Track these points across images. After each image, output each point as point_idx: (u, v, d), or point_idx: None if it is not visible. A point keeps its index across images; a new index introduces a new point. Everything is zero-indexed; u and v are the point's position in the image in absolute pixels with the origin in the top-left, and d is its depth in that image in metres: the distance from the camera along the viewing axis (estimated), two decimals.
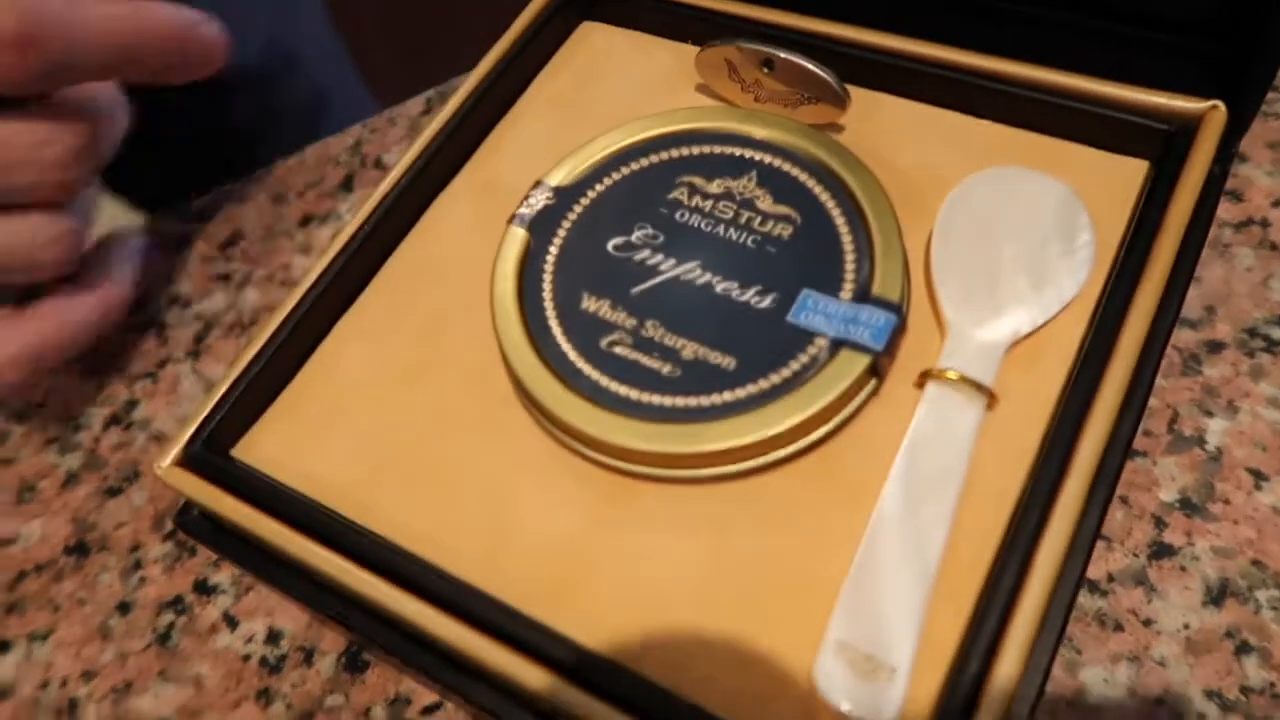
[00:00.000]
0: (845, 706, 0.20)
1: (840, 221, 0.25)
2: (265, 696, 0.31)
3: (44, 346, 0.33)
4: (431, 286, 0.29)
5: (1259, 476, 0.30)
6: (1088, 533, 0.21)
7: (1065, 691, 0.28)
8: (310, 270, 0.28)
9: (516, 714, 0.22)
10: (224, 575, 0.34)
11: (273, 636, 0.32)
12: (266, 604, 0.33)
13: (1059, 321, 0.24)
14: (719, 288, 0.24)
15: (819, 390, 0.22)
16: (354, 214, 0.41)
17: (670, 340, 0.24)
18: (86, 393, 0.39)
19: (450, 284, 0.28)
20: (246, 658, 0.32)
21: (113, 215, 0.60)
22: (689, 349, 0.24)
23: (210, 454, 0.25)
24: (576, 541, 0.23)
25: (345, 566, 0.23)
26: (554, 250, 0.26)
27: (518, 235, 0.26)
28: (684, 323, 0.24)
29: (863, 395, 0.23)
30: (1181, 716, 0.27)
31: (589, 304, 0.25)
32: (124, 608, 0.34)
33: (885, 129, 0.29)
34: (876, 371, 0.23)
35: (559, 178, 0.27)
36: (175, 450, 0.25)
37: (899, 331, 0.23)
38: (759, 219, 0.25)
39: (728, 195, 0.26)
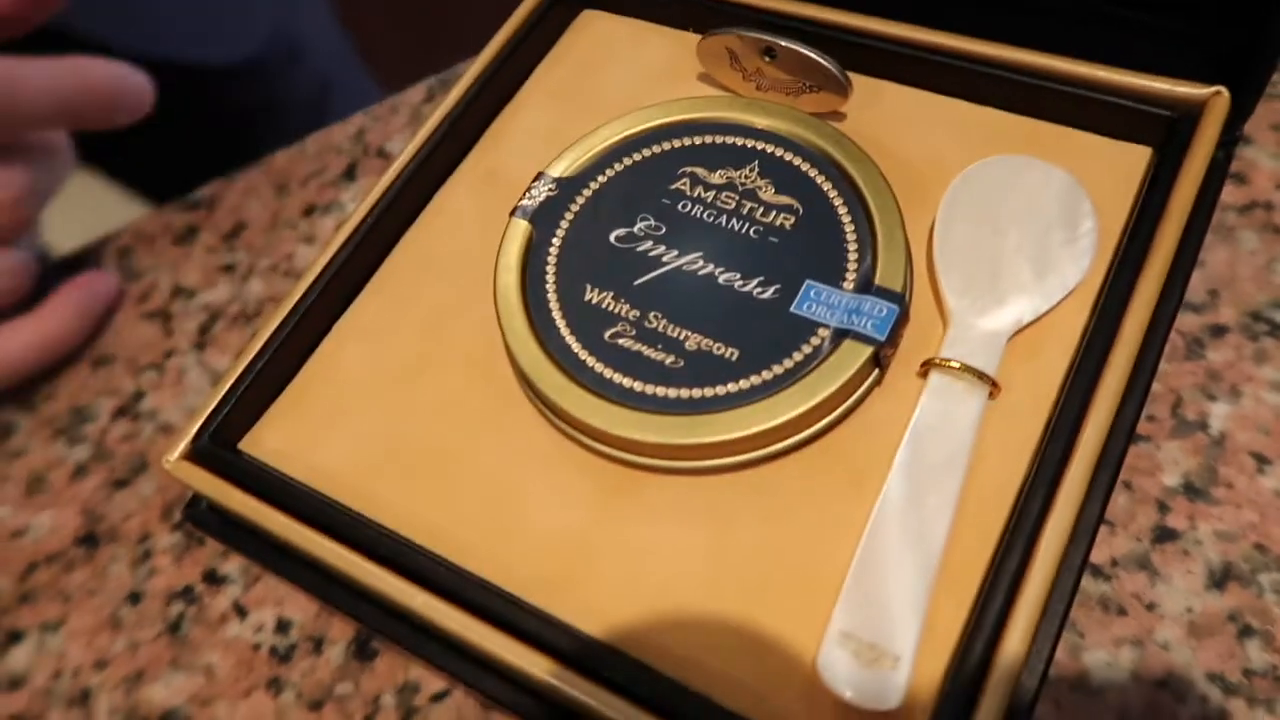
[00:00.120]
0: (849, 695, 0.20)
1: (842, 211, 0.25)
2: (276, 685, 0.31)
3: None
4: (435, 279, 0.29)
5: (1262, 460, 0.30)
6: (1090, 519, 0.21)
7: (1068, 675, 0.28)
8: (314, 263, 0.29)
9: (524, 703, 0.23)
10: (233, 565, 0.34)
11: (282, 626, 0.32)
12: (275, 593, 0.33)
13: (1062, 310, 0.24)
14: (722, 279, 0.24)
15: (822, 381, 0.23)
16: (357, 204, 0.41)
17: (673, 332, 0.24)
18: (93, 384, 0.39)
19: (454, 276, 0.28)
20: (256, 647, 0.32)
21: (117, 206, 0.61)
22: (692, 340, 0.24)
23: (218, 448, 0.26)
24: (582, 532, 0.24)
25: (353, 559, 0.23)
26: (557, 242, 0.26)
27: (520, 227, 0.26)
28: (687, 314, 0.24)
29: (866, 385, 0.23)
30: (1184, 699, 0.27)
31: (592, 296, 0.25)
32: (134, 598, 0.34)
33: (887, 117, 0.29)
34: (879, 362, 0.23)
35: (561, 169, 0.27)
36: (183, 444, 0.26)
37: (901, 322, 0.23)
38: (761, 209, 0.25)
39: (730, 186, 0.26)
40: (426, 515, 0.24)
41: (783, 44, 0.27)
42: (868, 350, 0.23)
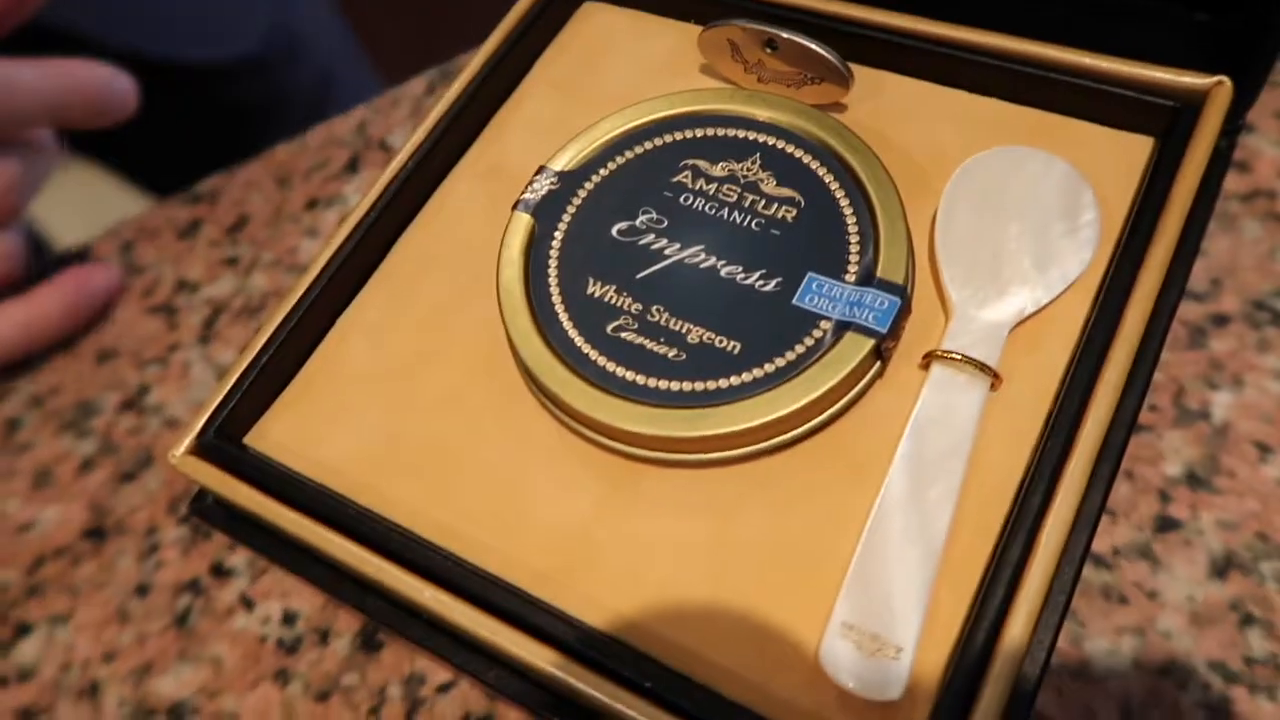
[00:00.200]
0: (851, 685, 0.20)
1: (844, 204, 0.25)
2: (283, 677, 0.31)
3: None
4: (438, 273, 0.29)
5: (1264, 449, 0.30)
6: (1092, 509, 0.21)
7: (1070, 663, 0.28)
8: (318, 257, 0.29)
9: (529, 694, 0.23)
10: (239, 558, 0.34)
11: (288, 618, 0.33)
12: (282, 586, 0.33)
13: (1063, 301, 0.24)
14: (724, 271, 0.24)
15: (824, 373, 0.23)
16: (360, 196, 0.41)
17: (676, 325, 0.24)
18: (99, 378, 0.40)
19: (457, 270, 0.29)
20: (263, 639, 0.32)
21: (120, 200, 0.61)
22: (694, 333, 0.24)
23: (223, 443, 0.26)
24: (585, 525, 0.24)
25: (359, 553, 0.23)
26: (559, 236, 0.26)
27: (523, 221, 0.26)
28: (689, 307, 0.24)
29: (867, 378, 0.24)
30: (1185, 688, 0.27)
31: (594, 289, 0.25)
32: (142, 590, 0.34)
33: (889, 108, 0.28)
34: (881, 354, 0.23)
35: (563, 162, 0.27)
36: (189, 439, 0.26)
37: (903, 314, 0.23)
38: (763, 202, 0.25)
39: (732, 178, 0.26)
40: (431, 509, 0.25)
41: (784, 35, 0.27)
42: (869, 343, 0.23)
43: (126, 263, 0.43)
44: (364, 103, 0.45)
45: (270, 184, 0.44)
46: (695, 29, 0.30)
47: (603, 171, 0.27)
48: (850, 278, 0.24)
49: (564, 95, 0.32)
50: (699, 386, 0.23)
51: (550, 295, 0.25)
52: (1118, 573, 0.29)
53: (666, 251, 0.25)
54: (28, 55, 0.35)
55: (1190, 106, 0.25)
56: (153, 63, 0.40)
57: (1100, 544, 0.30)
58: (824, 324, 0.23)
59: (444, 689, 0.30)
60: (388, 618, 0.24)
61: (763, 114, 0.27)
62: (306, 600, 0.33)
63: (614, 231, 0.26)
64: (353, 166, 0.43)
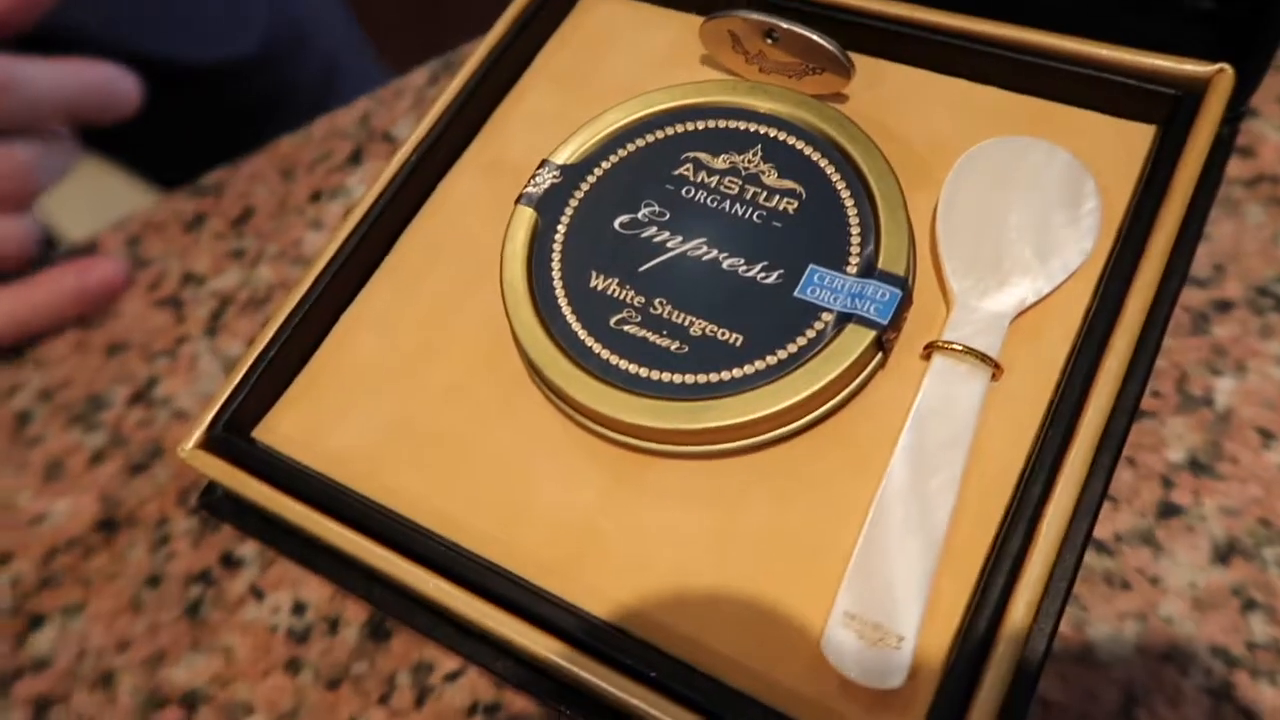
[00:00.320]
0: (853, 674, 0.20)
1: (845, 195, 0.25)
2: (294, 666, 0.32)
3: None
4: (442, 266, 0.29)
5: (1267, 435, 0.30)
6: (1093, 497, 0.22)
7: (1073, 649, 0.28)
8: (323, 251, 0.29)
9: (536, 682, 0.23)
10: (249, 549, 0.34)
11: (298, 608, 0.33)
12: (291, 576, 0.34)
13: (1064, 290, 0.24)
14: (726, 264, 0.25)
15: (826, 365, 0.23)
16: (363, 188, 0.42)
17: (678, 317, 0.24)
18: (108, 371, 0.40)
19: (461, 263, 0.29)
20: (274, 628, 0.33)
21: (127, 193, 0.61)
22: (697, 326, 0.24)
23: (232, 436, 0.26)
24: (590, 516, 0.24)
25: (366, 545, 0.24)
26: (562, 229, 0.26)
27: (525, 215, 0.26)
28: (691, 300, 0.24)
29: (869, 369, 0.24)
30: (1187, 673, 0.27)
31: (597, 282, 0.25)
32: (153, 581, 0.35)
33: (891, 97, 0.29)
34: (882, 345, 0.23)
35: (565, 156, 0.27)
36: (198, 433, 0.26)
37: (904, 305, 0.23)
38: (764, 194, 0.25)
39: (733, 170, 0.26)
40: (437, 501, 0.25)
41: (784, 26, 0.27)
42: (871, 334, 0.23)
43: (133, 256, 0.43)
44: (368, 93, 0.45)
45: (274, 176, 0.44)
46: (696, 20, 0.30)
47: (605, 165, 0.27)
48: (852, 269, 0.24)
49: (566, 87, 0.32)
50: (701, 379, 0.23)
51: (553, 288, 0.25)
52: (1120, 559, 0.29)
53: (669, 244, 0.25)
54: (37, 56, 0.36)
55: (1192, 94, 0.25)
56: (158, 63, 0.41)
57: (1103, 530, 0.30)
58: (825, 316, 0.23)
59: (452, 677, 0.31)
60: (395, 608, 0.25)
61: (764, 106, 0.27)
62: (316, 590, 0.33)
63: (616, 224, 0.26)
64: (356, 158, 0.43)
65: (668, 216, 0.26)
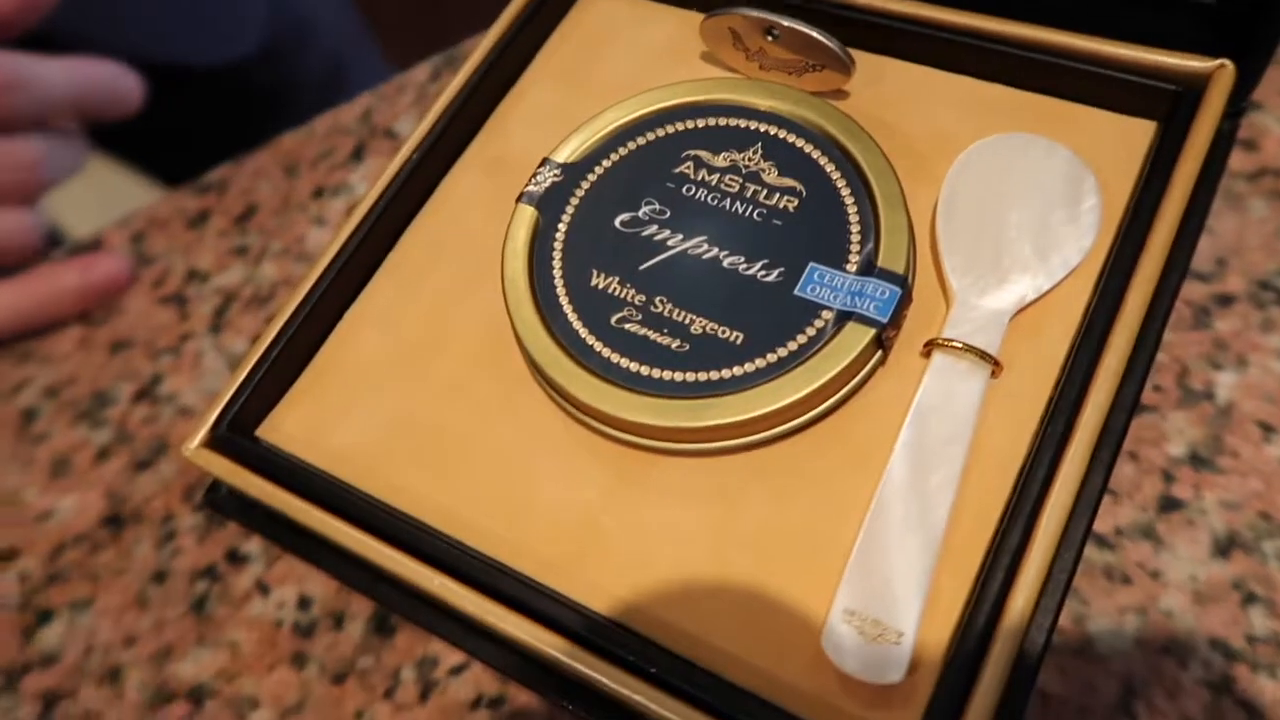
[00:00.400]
0: (853, 670, 0.20)
1: (845, 193, 0.25)
2: (299, 660, 0.32)
3: None
4: (444, 264, 0.29)
5: (1268, 429, 0.30)
6: (1092, 492, 0.22)
7: (1073, 642, 0.28)
8: (326, 249, 0.29)
9: (539, 677, 0.23)
10: (254, 544, 0.35)
11: (303, 602, 0.33)
12: (296, 571, 0.34)
13: (1065, 287, 0.24)
14: (726, 262, 0.25)
15: (826, 362, 0.23)
16: (366, 185, 0.42)
17: (679, 315, 0.24)
18: (113, 369, 0.40)
19: (463, 261, 0.29)
20: (279, 623, 0.33)
21: (131, 190, 0.61)
22: (697, 324, 0.24)
23: (236, 435, 0.26)
24: (591, 514, 0.24)
25: (369, 542, 0.24)
26: (563, 228, 0.26)
27: (527, 213, 0.26)
28: (692, 298, 0.24)
29: (869, 366, 0.24)
30: (1187, 666, 0.28)
31: (598, 281, 0.25)
32: (159, 577, 0.35)
33: (891, 94, 0.29)
34: (882, 343, 0.23)
35: (566, 154, 0.27)
36: (202, 432, 0.26)
37: (904, 303, 0.23)
38: (765, 192, 0.25)
39: (733, 169, 0.26)
40: (439, 498, 0.25)
41: (784, 23, 0.27)
42: (870, 332, 0.23)
43: (137, 253, 0.43)
44: (372, 87, 0.45)
45: (278, 173, 0.44)
46: (697, 16, 0.30)
47: (605, 163, 0.27)
48: (852, 267, 0.24)
49: (567, 84, 0.32)
50: (702, 377, 0.23)
51: (554, 287, 0.25)
52: (1121, 553, 0.29)
53: (669, 242, 0.25)
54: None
55: (1192, 90, 0.25)
56: (161, 66, 0.41)
57: (1103, 524, 0.30)
58: (826, 314, 0.23)
59: (457, 671, 0.31)
60: (399, 604, 0.25)
61: (764, 103, 0.27)
62: (321, 585, 0.33)
63: (617, 223, 0.26)
64: (358, 154, 0.43)
65: (668, 215, 0.26)
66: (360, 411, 0.27)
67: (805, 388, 0.23)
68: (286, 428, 0.27)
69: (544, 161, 0.27)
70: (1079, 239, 0.24)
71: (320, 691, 0.31)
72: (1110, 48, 0.26)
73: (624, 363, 0.24)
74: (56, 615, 0.35)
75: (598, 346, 0.24)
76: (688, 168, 0.26)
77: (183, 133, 0.54)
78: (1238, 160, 0.35)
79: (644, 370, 0.24)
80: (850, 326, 0.23)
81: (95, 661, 0.34)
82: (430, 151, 0.30)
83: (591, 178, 0.27)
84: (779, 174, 0.26)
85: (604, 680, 0.21)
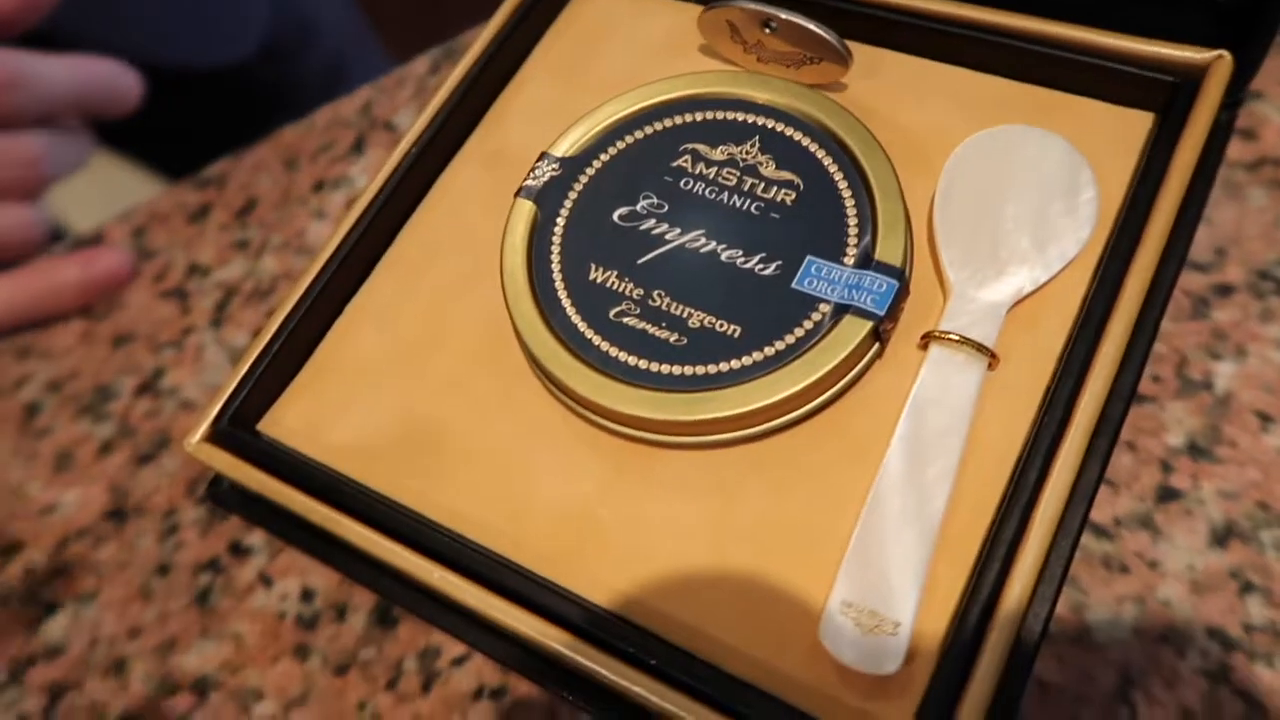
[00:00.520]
0: (850, 660, 0.21)
1: (842, 186, 0.25)
2: (302, 652, 0.32)
3: None
4: (444, 258, 0.29)
5: (1266, 419, 0.31)
6: (1088, 483, 0.22)
7: (1071, 631, 0.29)
8: (326, 243, 0.29)
9: (540, 668, 0.24)
10: (257, 537, 0.35)
11: (306, 595, 0.33)
12: (299, 564, 0.34)
13: (1062, 279, 0.24)
14: (724, 256, 0.25)
15: (823, 355, 0.23)
16: (366, 178, 0.42)
17: (677, 309, 0.24)
18: (115, 363, 0.40)
19: (462, 256, 0.29)
20: (282, 615, 0.33)
21: (133, 184, 0.61)
22: (695, 318, 0.24)
23: (237, 430, 0.26)
24: (590, 507, 0.24)
25: (369, 535, 0.24)
26: (561, 222, 0.26)
27: (525, 208, 0.26)
28: (690, 291, 0.24)
29: (866, 359, 0.24)
30: (1185, 655, 0.28)
31: (597, 275, 0.25)
32: (163, 570, 0.35)
33: (889, 86, 0.29)
34: (879, 336, 0.23)
35: (564, 148, 0.27)
36: (204, 427, 0.26)
37: (901, 296, 0.24)
38: (762, 185, 0.25)
39: (731, 162, 0.26)
40: (439, 492, 0.25)
41: (781, 16, 0.27)
42: (868, 325, 0.23)
43: (138, 247, 0.43)
44: (368, 83, 0.45)
45: (278, 166, 0.44)
46: (695, 9, 0.30)
47: (603, 157, 0.27)
48: (849, 260, 0.24)
49: (565, 78, 0.32)
50: (700, 370, 0.23)
51: (553, 281, 0.25)
52: (1119, 542, 0.30)
53: (667, 236, 0.25)
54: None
55: (1190, 81, 0.25)
56: (163, 69, 0.41)
57: (1102, 514, 0.30)
58: (823, 307, 0.23)
59: (458, 662, 0.31)
60: (400, 596, 0.25)
61: (761, 96, 0.27)
62: (323, 577, 0.33)
63: (615, 217, 0.26)
64: (358, 147, 0.43)
65: (666, 208, 0.26)
66: (361, 405, 0.27)
67: (803, 381, 0.23)
68: (287, 422, 0.28)
69: (542, 156, 0.27)
70: (1076, 231, 0.24)
71: (323, 683, 0.32)
72: (1107, 39, 0.26)
73: (622, 356, 0.24)
74: (61, 608, 0.35)
75: (596, 340, 0.24)
76: (685, 161, 0.26)
77: (184, 129, 0.54)
78: (1237, 150, 0.35)
79: (642, 364, 0.24)
80: (848, 319, 0.23)
81: (100, 654, 0.34)
82: (430, 145, 0.30)
83: (590, 172, 0.27)
84: (776, 167, 0.26)
85: (604, 672, 0.22)
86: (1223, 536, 0.29)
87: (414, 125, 0.31)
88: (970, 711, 0.19)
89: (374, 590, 0.25)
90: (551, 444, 0.25)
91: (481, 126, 0.32)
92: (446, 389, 0.27)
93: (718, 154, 0.26)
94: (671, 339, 0.24)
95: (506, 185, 0.28)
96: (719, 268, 0.25)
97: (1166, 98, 0.26)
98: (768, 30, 0.28)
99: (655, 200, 0.26)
